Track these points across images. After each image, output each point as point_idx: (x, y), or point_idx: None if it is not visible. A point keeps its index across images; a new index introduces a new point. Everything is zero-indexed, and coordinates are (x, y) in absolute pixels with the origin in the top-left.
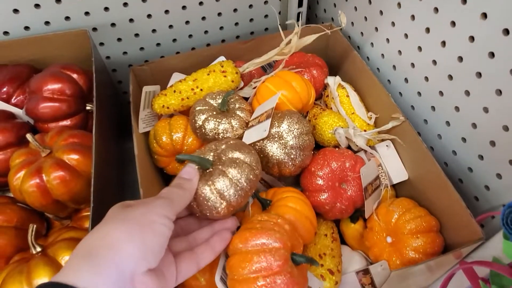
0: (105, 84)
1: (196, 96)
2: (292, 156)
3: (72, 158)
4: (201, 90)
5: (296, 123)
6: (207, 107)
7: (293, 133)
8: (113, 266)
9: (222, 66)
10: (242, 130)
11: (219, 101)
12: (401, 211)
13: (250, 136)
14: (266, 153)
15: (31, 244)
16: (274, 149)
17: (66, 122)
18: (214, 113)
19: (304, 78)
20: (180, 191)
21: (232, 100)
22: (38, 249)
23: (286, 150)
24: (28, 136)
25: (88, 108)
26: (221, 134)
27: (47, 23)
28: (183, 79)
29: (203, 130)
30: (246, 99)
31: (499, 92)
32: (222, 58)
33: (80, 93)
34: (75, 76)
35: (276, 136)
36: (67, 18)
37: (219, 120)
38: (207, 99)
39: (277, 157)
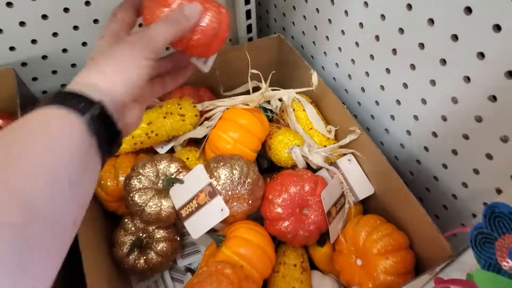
0: None
1: (150, 140)
2: (251, 204)
3: None
4: (157, 135)
5: (234, 171)
6: (147, 184)
7: (240, 182)
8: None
9: (180, 108)
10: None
11: (170, 169)
12: (368, 230)
13: (201, 225)
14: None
15: None
16: (236, 205)
17: None
18: (154, 193)
19: (253, 109)
20: (170, 30)
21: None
22: None
23: (247, 201)
24: None
25: None
26: (146, 214)
27: None
28: None
29: (135, 207)
30: (197, 140)
31: (455, 100)
32: None
33: None
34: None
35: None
36: None
37: (154, 202)
38: (146, 169)
39: (242, 209)
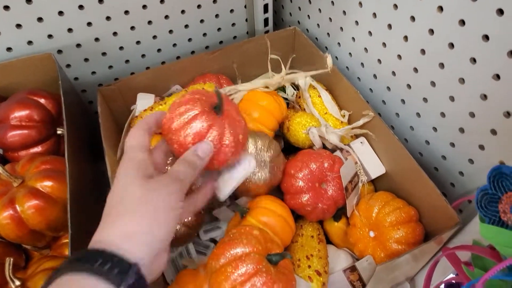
0: (74, 106)
1: None
2: (272, 173)
3: (46, 185)
4: None
5: (259, 140)
6: None
7: (263, 149)
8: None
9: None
10: None
11: None
12: (380, 204)
13: (229, 183)
14: (253, 180)
15: (9, 278)
16: (259, 172)
17: (37, 149)
18: None
19: (273, 93)
20: (192, 171)
21: None
22: (17, 283)
23: (269, 167)
24: None
25: (59, 132)
26: None
27: (9, 49)
28: (163, 102)
29: None
30: None
31: (462, 81)
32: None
33: (49, 118)
34: (42, 101)
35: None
36: (29, 42)
37: None
38: None
39: (265, 177)
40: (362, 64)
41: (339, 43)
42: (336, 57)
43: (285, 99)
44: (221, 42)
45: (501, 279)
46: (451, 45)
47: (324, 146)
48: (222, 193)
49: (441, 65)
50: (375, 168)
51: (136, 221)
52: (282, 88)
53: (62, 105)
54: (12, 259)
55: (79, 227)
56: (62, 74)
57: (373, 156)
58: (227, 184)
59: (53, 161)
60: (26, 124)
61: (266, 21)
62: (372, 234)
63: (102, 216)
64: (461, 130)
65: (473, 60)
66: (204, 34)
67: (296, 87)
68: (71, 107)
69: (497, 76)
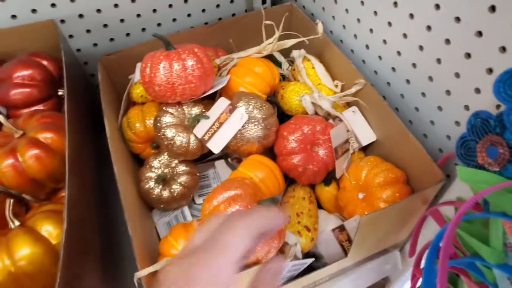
0: (76, 73)
1: None
2: (265, 130)
3: (46, 136)
4: None
5: (252, 100)
6: (176, 121)
7: (256, 107)
8: None
9: None
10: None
11: (192, 111)
12: (369, 167)
13: (223, 138)
14: (246, 137)
15: (9, 218)
16: (252, 129)
17: (39, 107)
18: (182, 129)
19: (265, 60)
20: None
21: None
22: (17, 223)
23: (261, 124)
24: (0, 118)
25: (60, 93)
26: (176, 147)
27: (13, 16)
28: None
29: (167, 141)
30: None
31: (447, 42)
32: None
33: (51, 79)
34: (45, 62)
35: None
36: (33, 10)
37: (183, 135)
38: (174, 109)
39: (257, 134)
40: (355, 35)
41: (333, 17)
42: (331, 31)
43: (281, 74)
44: (220, 19)
45: (477, 217)
46: (437, 7)
47: (317, 114)
48: (215, 147)
49: (428, 28)
50: (366, 135)
51: None
52: (278, 64)
53: (63, 66)
54: (12, 200)
55: (76, 178)
56: (64, 40)
57: (364, 124)
58: (220, 138)
59: (53, 116)
60: (28, 83)
61: None
62: (361, 195)
63: None
64: (447, 93)
65: (457, 19)
66: (203, 10)
67: (291, 61)
68: (72, 71)
69: (479, 33)
